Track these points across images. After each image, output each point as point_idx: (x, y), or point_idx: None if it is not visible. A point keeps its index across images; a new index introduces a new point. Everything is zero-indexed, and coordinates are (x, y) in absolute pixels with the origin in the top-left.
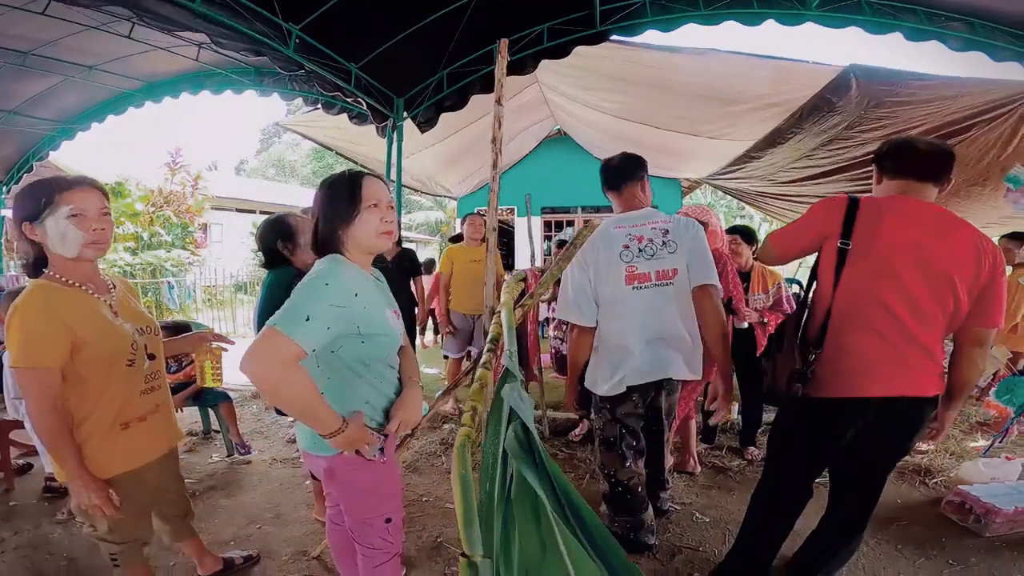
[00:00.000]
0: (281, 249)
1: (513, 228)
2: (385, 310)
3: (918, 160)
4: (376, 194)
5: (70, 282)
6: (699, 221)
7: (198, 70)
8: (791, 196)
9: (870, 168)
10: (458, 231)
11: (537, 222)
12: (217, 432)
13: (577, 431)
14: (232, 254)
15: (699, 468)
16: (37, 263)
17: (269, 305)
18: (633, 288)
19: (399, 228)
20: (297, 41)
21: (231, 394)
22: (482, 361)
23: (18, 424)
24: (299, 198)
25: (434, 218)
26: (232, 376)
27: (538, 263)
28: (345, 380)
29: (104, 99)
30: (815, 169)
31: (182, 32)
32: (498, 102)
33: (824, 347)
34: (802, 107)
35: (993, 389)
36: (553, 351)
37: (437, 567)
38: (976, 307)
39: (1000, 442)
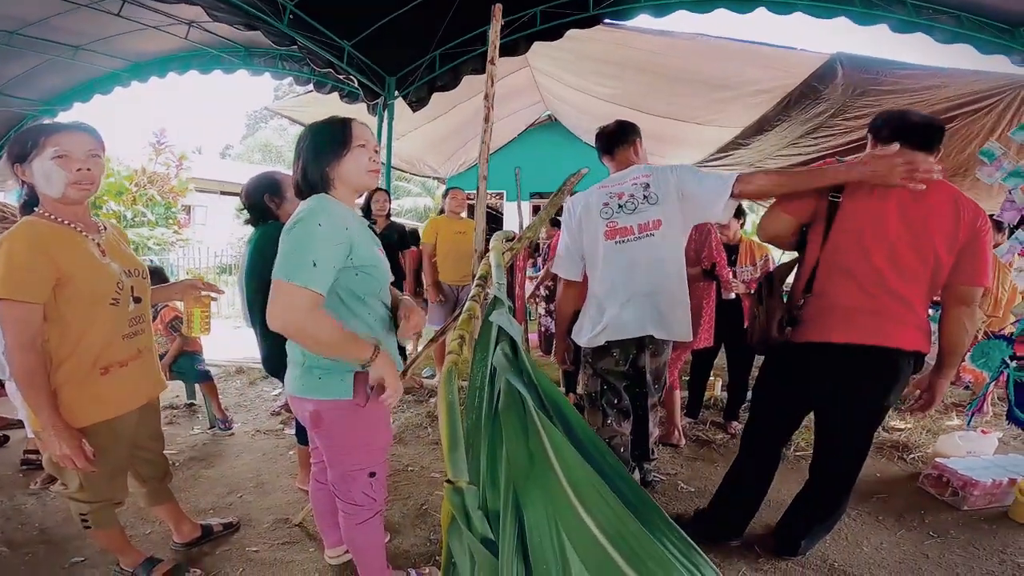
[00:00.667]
0: (268, 203)
1: (501, 214)
2: (373, 246)
3: (912, 129)
4: (364, 135)
5: (59, 220)
6: None
7: (187, 49)
8: None
9: (854, 156)
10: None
11: (527, 207)
12: (200, 404)
13: (572, 400)
14: (216, 236)
15: (683, 440)
16: (28, 203)
17: (261, 261)
18: (615, 243)
19: (389, 201)
20: (291, 16)
21: (214, 370)
22: (471, 295)
23: None
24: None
25: (422, 204)
26: (215, 352)
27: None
28: (341, 318)
29: (89, 79)
30: (801, 157)
31: (175, 5)
32: (491, 62)
33: (812, 293)
34: (789, 94)
35: (968, 354)
36: (542, 330)
37: (422, 533)
38: (958, 264)
39: (979, 409)
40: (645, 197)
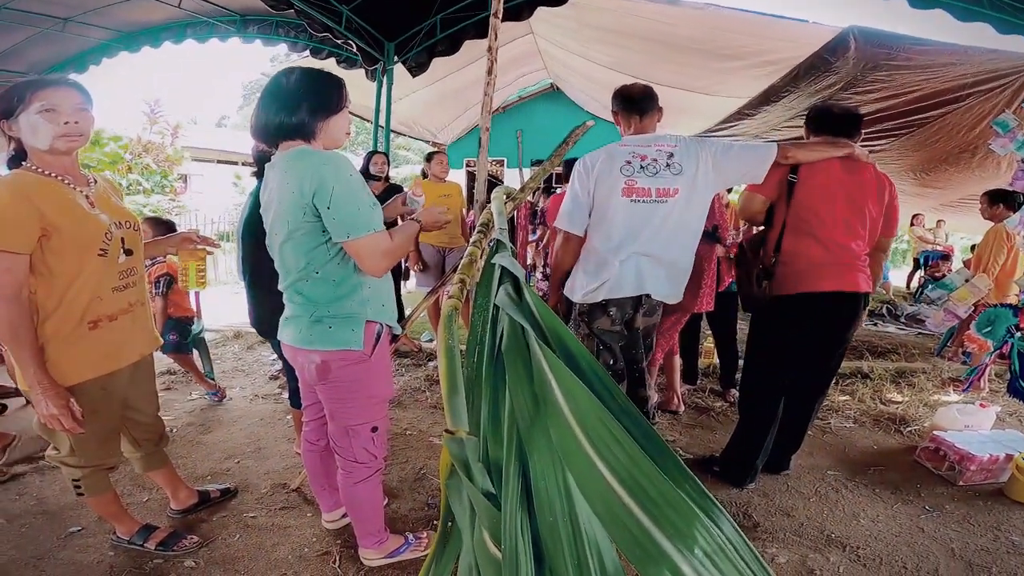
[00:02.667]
0: None
1: (502, 181)
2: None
3: (835, 121)
4: (348, 97)
5: (46, 173)
6: None
7: (181, 18)
8: None
9: (864, 128)
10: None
11: (528, 175)
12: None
13: None
14: (213, 203)
15: (682, 407)
16: (15, 157)
17: (260, 219)
18: (631, 200)
19: (388, 163)
20: None
21: (211, 335)
22: (472, 240)
23: None
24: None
25: (420, 171)
26: (212, 318)
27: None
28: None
29: (81, 50)
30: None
31: None
32: (495, 15)
33: (781, 252)
34: (798, 66)
35: (974, 321)
36: (540, 294)
37: (420, 498)
38: (883, 222)
39: (980, 377)
40: (668, 165)
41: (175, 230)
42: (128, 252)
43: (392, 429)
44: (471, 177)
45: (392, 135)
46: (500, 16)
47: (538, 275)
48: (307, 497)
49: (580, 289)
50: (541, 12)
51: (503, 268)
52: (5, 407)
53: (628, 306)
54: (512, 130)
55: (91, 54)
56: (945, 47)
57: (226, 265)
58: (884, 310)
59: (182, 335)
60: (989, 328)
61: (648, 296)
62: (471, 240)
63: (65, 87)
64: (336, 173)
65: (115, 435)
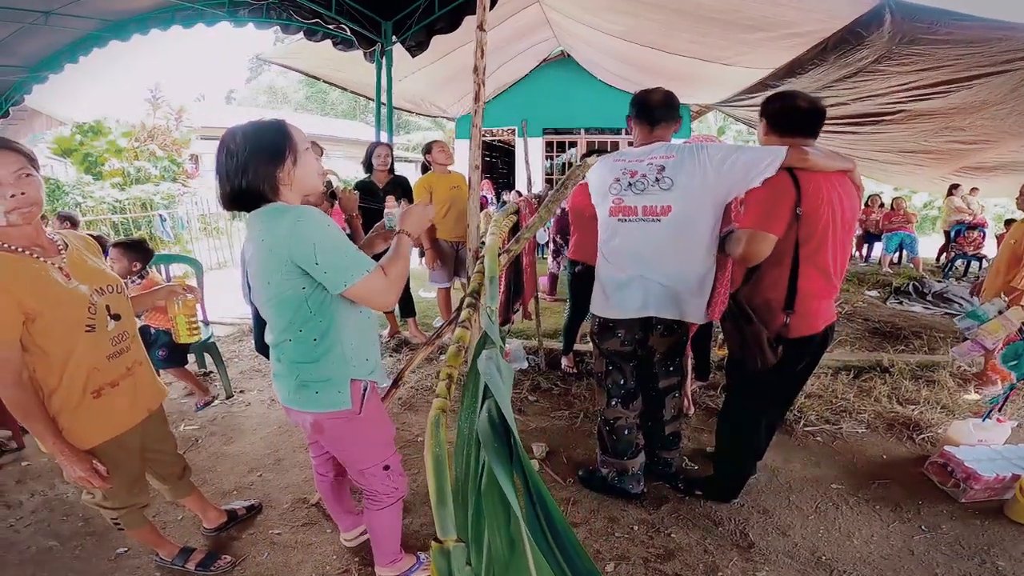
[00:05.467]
0: None
1: (513, 147)
2: None
3: (803, 118)
4: (304, 137)
5: (12, 248)
6: None
7: (166, 5)
8: None
9: (895, 101)
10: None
11: (539, 143)
12: (212, 372)
13: (567, 362)
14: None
15: (693, 409)
16: None
17: None
18: (619, 220)
19: (391, 155)
20: None
21: (223, 330)
22: (460, 319)
23: None
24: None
25: (432, 138)
26: (224, 310)
27: (537, 188)
28: (338, 314)
29: (70, 41)
30: (835, 99)
31: None
32: (480, 28)
33: (798, 297)
34: (827, 39)
35: (1001, 351)
36: (550, 274)
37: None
38: None
39: (999, 410)
40: (657, 180)
41: (148, 251)
42: (116, 317)
43: (404, 436)
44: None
45: (397, 112)
46: (485, 27)
47: (548, 257)
48: (326, 512)
49: (592, 305)
50: None
51: (486, 385)
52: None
53: (636, 327)
54: (522, 100)
55: (81, 44)
56: (990, 23)
57: (240, 245)
58: (911, 287)
59: (172, 349)
60: (1016, 362)
61: (658, 317)
62: (459, 319)
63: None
64: (313, 227)
65: (141, 478)
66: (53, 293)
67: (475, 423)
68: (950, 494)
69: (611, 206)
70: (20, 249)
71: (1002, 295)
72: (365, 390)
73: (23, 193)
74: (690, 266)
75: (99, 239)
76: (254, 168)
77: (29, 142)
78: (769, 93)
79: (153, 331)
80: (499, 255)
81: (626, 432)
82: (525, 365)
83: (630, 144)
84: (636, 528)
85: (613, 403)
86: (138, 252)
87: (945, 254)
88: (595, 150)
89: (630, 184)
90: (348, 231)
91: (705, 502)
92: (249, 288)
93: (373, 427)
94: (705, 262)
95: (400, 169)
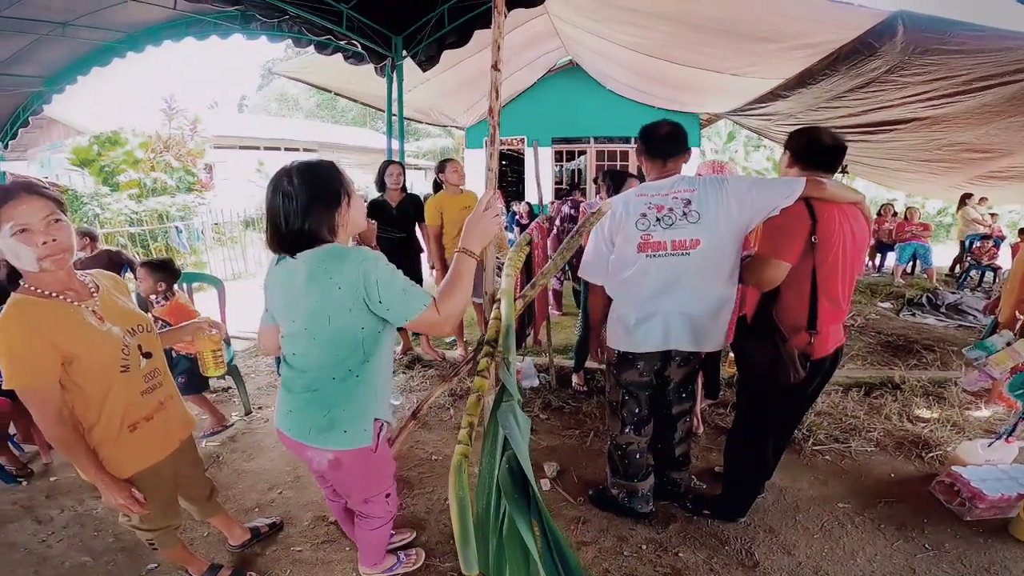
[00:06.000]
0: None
1: (522, 154)
2: None
3: (827, 154)
4: (352, 181)
5: (47, 293)
6: None
7: (179, 17)
8: None
9: (909, 111)
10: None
11: (548, 153)
12: (230, 388)
13: (577, 380)
14: (238, 190)
15: (702, 427)
16: (11, 276)
17: None
18: (647, 256)
19: (404, 173)
20: None
21: (240, 344)
22: (479, 368)
23: None
24: (300, 132)
25: (441, 145)
26: (241, 323)
27: (547, 199)
28: (375, 347)
29: (85, 53)
30: (847, 109)
31: None
32: (495, 67)
33: (819, 319)
34: (839, 49)
35: (1008, 381)
36: (553, 290)
37: (446, 529)
38: None
39: (1008, 437)
40: (685, 214)
41: (175, 271)
42: (147, 355)
43: (417, 454)
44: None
45: (407, 122)
46: (500, 67)
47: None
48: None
49: (610, 339)
50: None
51: (506, 439)
52: (32, 472)
53: (656, 359)
54: (531, 109)
55: (98, 55)
56: (1003, 33)
57: (255, 255)
58: (924, 299)
59: (191, 376)
60: (1022, 391)
61: (678, 350)
62: (477, 369)
63: (27, 198)
64: (376, 267)
65: (173, 501)
66: (88, 337)
67: (495, 468)
68: (955, 512)
69: (639, 242)
70: (54, 294)
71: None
72: (381, 428)
73: (54, 240)
74: (713, 297)
75: (117, 254)
76: (316, 211)
77: (48, 150)
78: (796, 127)
79: (175, 355)
80: (515, 300)
81: (637, 456)
82: (536, 383)
83: (639, 168)
84: (644, 547)
85: (627, 430)
86: (164, 272)
87: (960, 264)
88: (609, 172)
89: (658, 219)
90: None
91: (712, 521)
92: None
93: (384, 462)
94: (727, 291)
95: (409, 176)
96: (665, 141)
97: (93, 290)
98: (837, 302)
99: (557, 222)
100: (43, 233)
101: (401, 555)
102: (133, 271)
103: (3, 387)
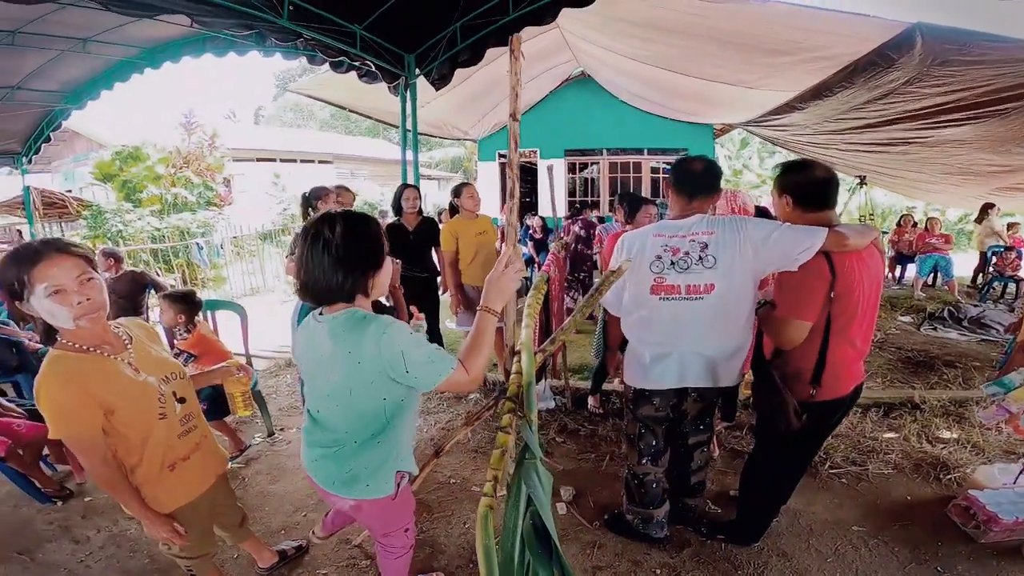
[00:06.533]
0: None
1: (535, 166)
2: None
3: (825, 190)
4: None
5: (84, 348)
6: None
7: (196, 34)
8: (836, 144)
9: (928, 120)
10: (455, 208)
11: (561, 165)
12: (256, 410)
13: (593, 402)
14: (255, 203)
15: (718, 450)
16: (48, 332)
17: None
18: (660, 299)
19: (420, 197)
20: (291, 8)
21: (261, 363)
22: (501, 424)
23: None
24: (315, 144)
25: (453, 155)
26: (261, 341)
27: (560, 213)
28: (398, 414)
29: (105, 68)
30: (865, 120)
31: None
32: (513, 117)
33: (826, 369)
34: (856, 61)
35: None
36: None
37: (465, 553)
38: None
39: None
40: (701, 259)
41: (196, 303)
42: (181, 400)
43: (435, 477)
44: (503, 169)
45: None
46: (518, 118)
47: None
48: (367, 552)
49: (627, 375)
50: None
51: (530, 496)
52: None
53: (672, 396)
54: (545, 120)
55: (117, 71)
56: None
57: (272, 269)
58: (946, 313)
59: (212, 402)
60: None
61: (693, 387)
62: (500, 424)
63: (59, 258)
64: (398, 337)
65: (210, 530)
66: (126, 389)
67: (519, 520)
68: (971, 534)
69: (652, 284)
70: (91, 348)
71: None
72: (403, 478)
73: (88, 299)
74: (729, 339)
75: (141, 275)
76: (357, 271)
77: (71, 163)
78: (781, 162)
79: None
80: (535, 355)
81: (654, 485)
82: (552, 405)
83: (656, 189)
84: (659, 571)
85: (643, 461)
86: (184, 304)
87: (982, 275)
88: (626, 195)
89: (672, 263)
90: (390, 303)
91: (726, 546)
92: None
93: (404, 504)
94: (744, 333)
95: (423, 186)
96: (696, 177)
97: (127, 341)
98: (855, 344)
99: (570, 239)
100: (77, 293)
101: None
102: (157, 291)
103: (50, 436)
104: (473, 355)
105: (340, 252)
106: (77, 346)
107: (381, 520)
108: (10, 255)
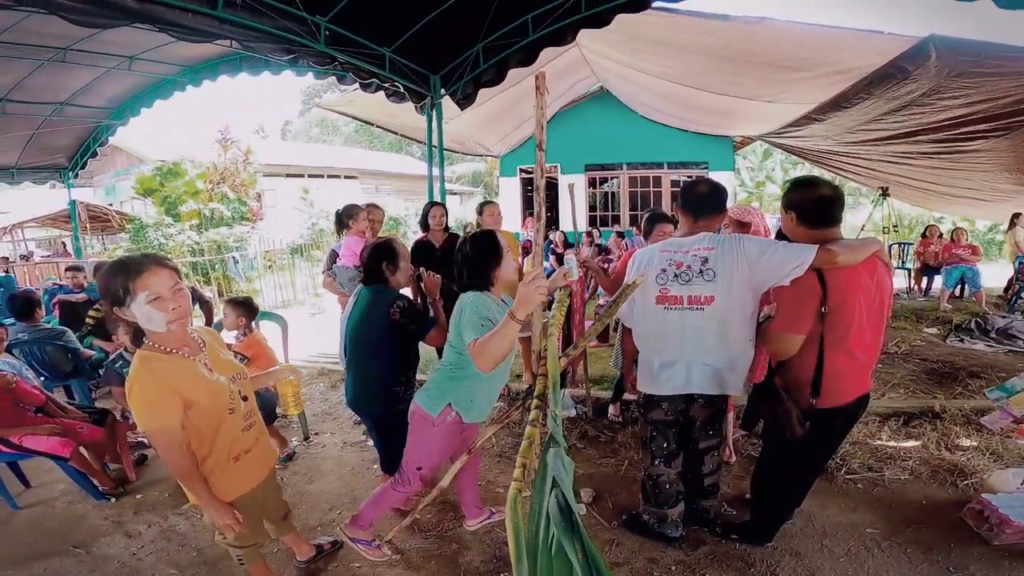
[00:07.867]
0: (384, 269)
1: (556, 180)
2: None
3: (830, 207)
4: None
5: (168, 349)
6: (740, 222)
7: (235, 53)
8: (858, 155)
9: (951, 131)
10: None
11: (581, 180)
12: (290, 416)
13: (613, 411)
14: (286, 218)
15: (734, 457)
16: (137, 334)
17: (365, 324)
18: (664, 308)
19: (446, 214)
20: (327, 34)
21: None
22: (530, 418)
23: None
24: (341, 159)
25: (474, 169)
26: (293, 351)
27: (581, 227)
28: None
29: (148, 85)
30: (886, 131)
31: (210, 40)
32: (540, 148)
33: (823, 379)
34: (871, 74)
35: None
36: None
37: (488, 550)
38: None
39: None
40: (701, 272)
41: (255, 308)
42: (244, 398)
43: None
44: (525, 184)
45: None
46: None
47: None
48: (398, 547)
49: (638, 381)
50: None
51: (555, 478)
52: (146, 457)
53: (679, 401)
54: (564, 134)
55: (160, 88)
56: None
57: (302, 282)
58: (972, 324)
59: (262, 409)
60: None
61: (699, 393)
62: (529, 419)
63: (157, 269)
64: (468, 299)
65: (260, 521)
66: (204, 385)
67: (544, 500)
68: (984, 536)
69: (657, 294)
70: (174, 350)
71: None
72: (450, 415)
73: (180, 306)
74: (730, 349)
75: (192, 289)
76: (480, 264)
77: (112, 177)
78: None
79: None
80: (559, 358)
81: (667, 486)
82: (573, 413)
83: (674, 206)
84: (674, 568)
85: (656, 463)
86: (246, 309)
87: (1012, 286)
88: (648, 212)
89: (676, 275)
90: (431, 313)
91: (740, 545)
92: (346, 355)
93: (436, 440)
94: (744, 345)
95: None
96: (701, 199)
97: (201, 345)
98: (854, 355)
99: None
100: (172, 300)
101: (375, 540)
102: (202, 307)
103: (139, 429)
104: (486, 341)
105: (470, 256)
106: (162, 348)
107: (413, 436)
108: (116, 266)
